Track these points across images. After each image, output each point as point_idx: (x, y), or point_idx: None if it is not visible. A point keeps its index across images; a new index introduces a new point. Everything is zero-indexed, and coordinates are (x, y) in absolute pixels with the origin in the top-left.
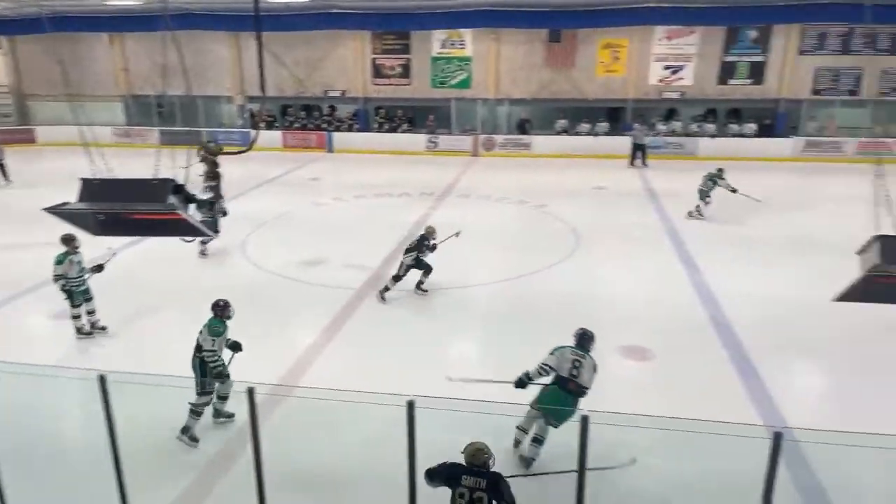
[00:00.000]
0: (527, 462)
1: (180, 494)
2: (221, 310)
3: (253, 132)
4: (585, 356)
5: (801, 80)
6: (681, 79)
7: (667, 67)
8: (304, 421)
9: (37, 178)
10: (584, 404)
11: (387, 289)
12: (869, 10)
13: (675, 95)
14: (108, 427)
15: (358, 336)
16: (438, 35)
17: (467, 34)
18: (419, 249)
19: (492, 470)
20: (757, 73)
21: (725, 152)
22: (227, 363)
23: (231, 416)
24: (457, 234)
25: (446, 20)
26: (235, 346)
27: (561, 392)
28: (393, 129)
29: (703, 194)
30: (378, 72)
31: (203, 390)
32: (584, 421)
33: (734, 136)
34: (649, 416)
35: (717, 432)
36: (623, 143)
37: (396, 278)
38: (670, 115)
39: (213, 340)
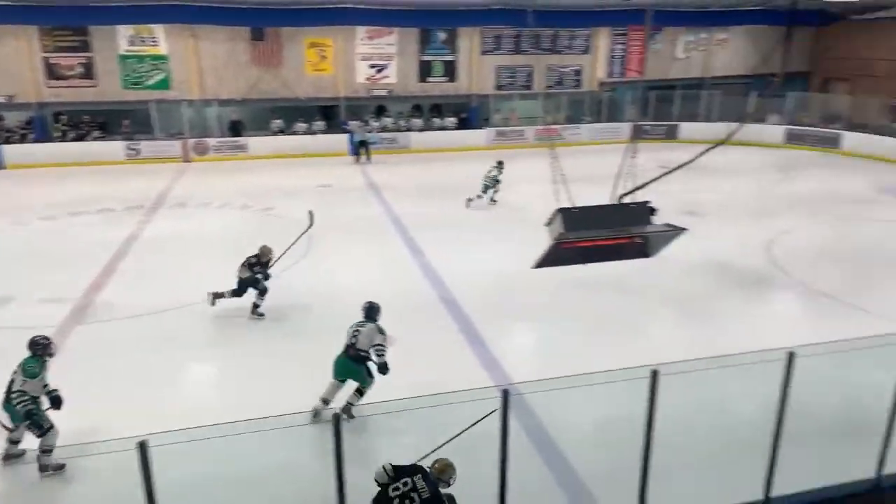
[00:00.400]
0: (347, 409)
1: None
2: (42, 348)
3: None
4: (365, 324)
5: (486, 78)
6: (386, 77)
7: (372, 66)
8: (15, 489)
9: None
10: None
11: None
12: (531, 16)
13: (382, 93)
14: None
15: (65, 380)
16: (125, 31)
17: (159, 30)
18: (251, 270)
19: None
20: (450, 71)
21: (433, 144)
22: (41, 411)
23: (62, 466)
24: (310, 221)
25: (129, 15)
26: (56, 401)
27: (342, 358)
28: (80, 137)
29: (487, 188)
30: (53, 72)
31: (43, 430)
32: (336, 419)
33: (438, 129)
34: (398, 399)
35: (457, 401)
36: (340, 140)
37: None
38: (380, 111)
39: (25, 381)
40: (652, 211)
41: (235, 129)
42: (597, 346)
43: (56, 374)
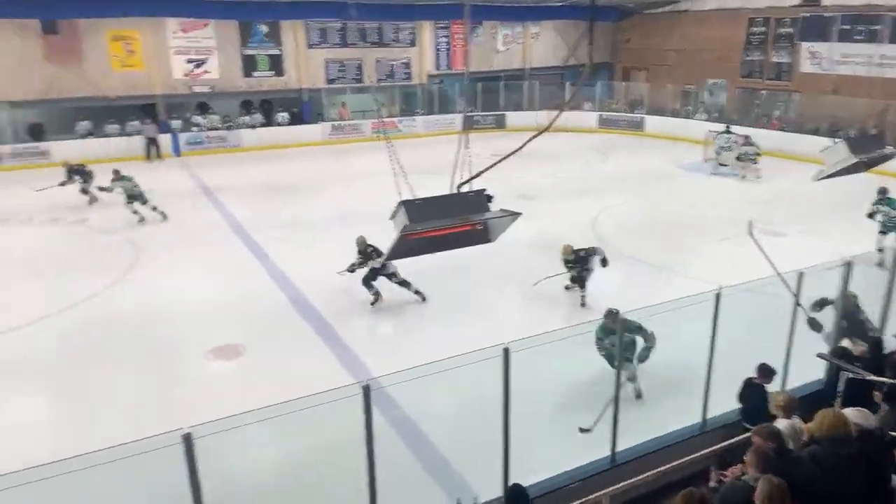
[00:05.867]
0: None
1: None
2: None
3: None
4: None
5: (316, 71)
6: (207, 72)
7: (190, 61)
8: None
9: None
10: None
11: None
12: (353, 9)
13: (205, 89)
14: None
15: None
16: None
17: None
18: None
19: None
20: (276, 65)
21: (267, 142)
22: None
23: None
24: None
25: None
26: None
27: None
28: None
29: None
30: None
31: None
32: (187, 440)
33: (274, 125)
34: (254, 410)
35: (319, 403)
36: (166, 141)
37: None
38: (204, 108)
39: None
40: (489, 198)
41: (35, 133)
42: (450, 330)
43: None
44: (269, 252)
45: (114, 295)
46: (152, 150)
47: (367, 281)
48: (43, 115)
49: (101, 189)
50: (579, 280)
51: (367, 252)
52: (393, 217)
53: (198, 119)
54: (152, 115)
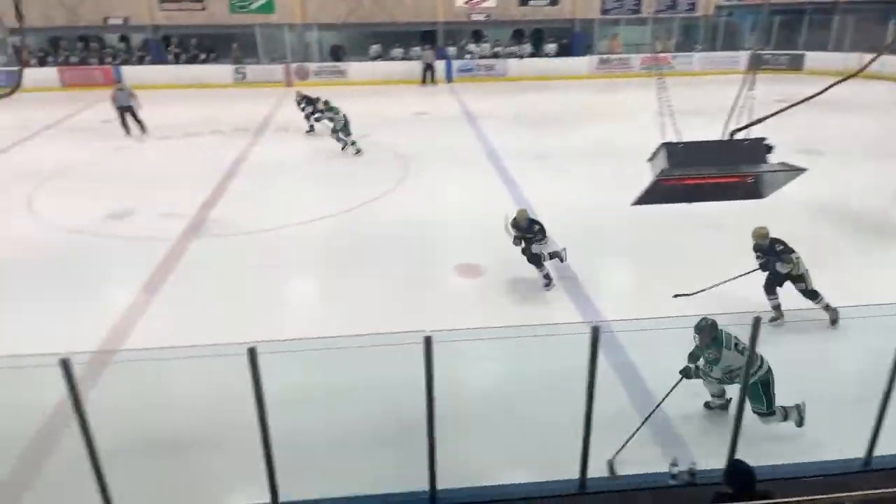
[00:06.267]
0: None
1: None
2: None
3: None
4: None
5: (591, 1)
6: (485, 0)
7: None
8: (134, 387)
9: None
10: (425, 325)
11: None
12: None
13: (481, 17)
14: None
15: (183, 290)
16: None
17: None
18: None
19: None
20: None
21: (532, 72)
22: None
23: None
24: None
25: None
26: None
27: None
28: (190, 61)
29: None
30: None
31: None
32: (428, 342)
33: (542, 56)
34: (490, 327)
35: (547, 334)
36: (441, 67)
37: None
38: (479, 36)
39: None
40: (768, 149)
41: (336, 54)
42: (695, 288)
43: (174, 283)
44: (520, 182)
45: (381, 205)
46: (428, 74)
47: (538, 260)
48: (343, 39)
49: (310, 114)
50: (772, 277)
51: (523, 227)
52: (651, 159)
53: (471, 47)
54: (432, 42)
